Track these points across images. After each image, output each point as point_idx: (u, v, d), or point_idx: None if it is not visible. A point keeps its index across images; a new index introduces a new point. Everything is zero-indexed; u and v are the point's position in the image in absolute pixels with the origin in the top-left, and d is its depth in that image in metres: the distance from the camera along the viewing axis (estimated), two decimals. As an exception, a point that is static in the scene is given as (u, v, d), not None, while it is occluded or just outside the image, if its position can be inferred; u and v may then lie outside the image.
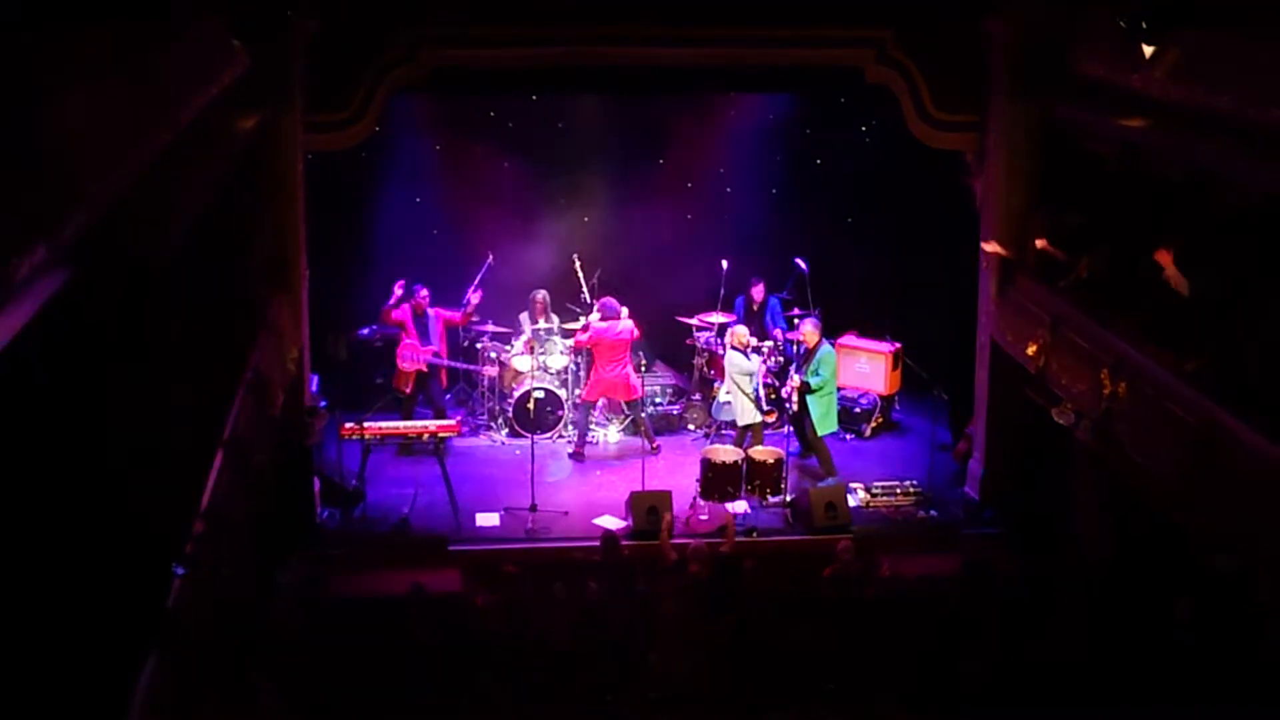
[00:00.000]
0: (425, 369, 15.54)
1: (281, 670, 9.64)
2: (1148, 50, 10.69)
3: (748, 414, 14.56)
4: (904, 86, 13.94)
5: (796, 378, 14.46)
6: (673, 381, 16.81)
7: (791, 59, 14.21)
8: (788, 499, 14.06)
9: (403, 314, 15.40)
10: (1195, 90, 10.38)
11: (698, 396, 16.50)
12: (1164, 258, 10.79)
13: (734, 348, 14.69)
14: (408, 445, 14.73)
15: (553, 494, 14.37)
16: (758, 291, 16.40)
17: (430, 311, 15.50)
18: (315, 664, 10.09)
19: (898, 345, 16.27)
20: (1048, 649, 10.20)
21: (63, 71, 6.89)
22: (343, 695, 9.77)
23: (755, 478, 13.87)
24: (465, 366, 16.29)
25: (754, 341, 15.14)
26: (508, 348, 16.23)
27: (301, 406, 13.40)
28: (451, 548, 13.34)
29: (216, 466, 9.23)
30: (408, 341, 15.39)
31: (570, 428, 15.92)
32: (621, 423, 16.01)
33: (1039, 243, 12.90)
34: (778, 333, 16.03)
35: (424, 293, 15.44)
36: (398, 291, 15.28)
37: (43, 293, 6.35)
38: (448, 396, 16.41)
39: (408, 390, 15.58)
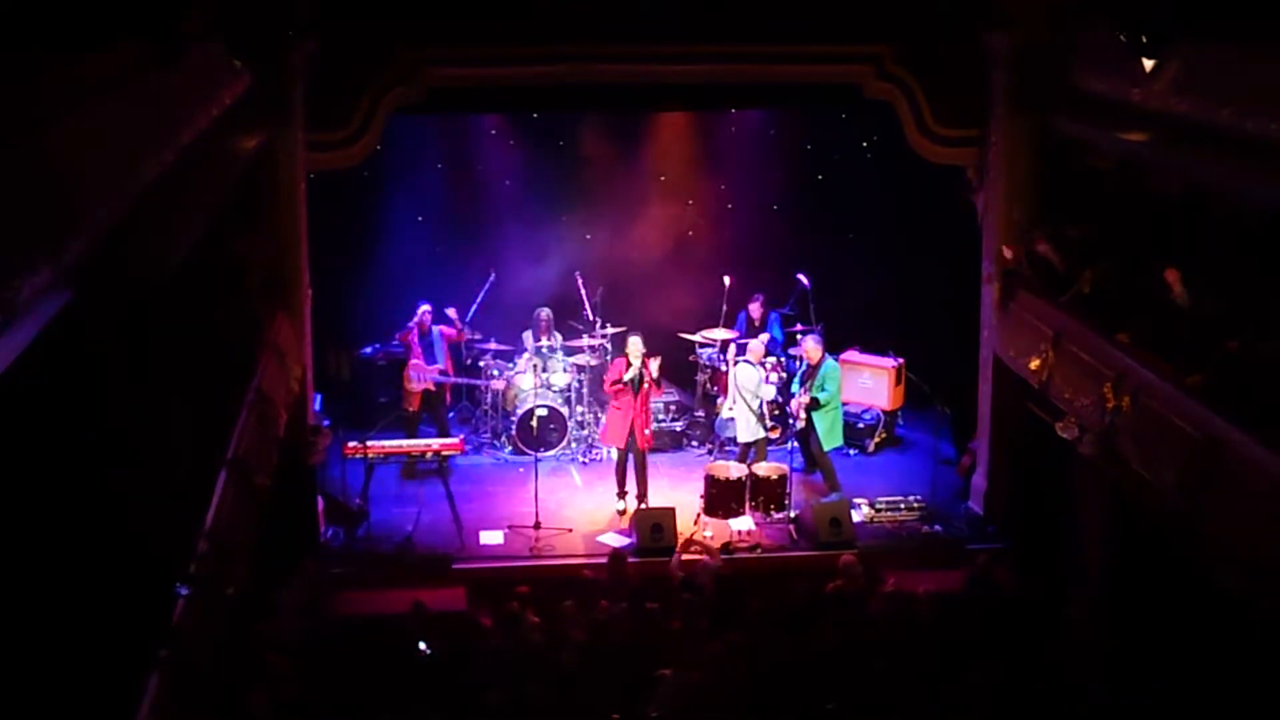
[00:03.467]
0: (432, 387, 15.54)
1: (284, 690, 9.62)
2: (1148, 64, 10.71)
3: (751, 430, 14.55)
4: (904, 102, 13.98)
5: (804, 395, 14.42)
6: (676, 398, 16.78)
7: (790, 75, 14.25)
8: (792, 515, 14.03)
9: (409, 334, 15.44)
10: (1195, 104, 10.38)
11: (700, 413, 16.49)
12: (1172, 275, 10.81)
13: (745, 360, 14.67)
14: (411, 465, 14.73)
15: (556, 511, 14.35)
16: (756, 308, 16.42)
17: (435, 329, 15.52)
18: (318, 683, 10.07)
19: (901, 360, 16.27)
20: (1052, 664, 10.18)
21: (66, 94, 6.91)
22: (346, 715, 9.75)
23: (759, 494, 13.85)
24: (471, 382, 16.28)
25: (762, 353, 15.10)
26: (510, 365, 16.24)
27: (305, 425, 13.40)
28: (455, 566, 13.32)
29: (220, 486, 9.24)
30: (414, 361, 15.40)
31: (575, 445, 15.96)
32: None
33: (1040, 246, 12.90)
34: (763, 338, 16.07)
35: (425, 309, 15.47)
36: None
37: (46, 313, 6.36)
38: (451, 415, 16.41)
39: (414, 409, 15.59)
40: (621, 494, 14.51)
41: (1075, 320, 12.04)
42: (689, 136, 17.51)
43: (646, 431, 14.29)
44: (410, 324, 15.44)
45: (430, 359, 15.50)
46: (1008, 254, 13.48)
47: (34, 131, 6.36)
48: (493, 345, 16.29)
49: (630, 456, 14.36)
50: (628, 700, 9.92)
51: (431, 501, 14.30)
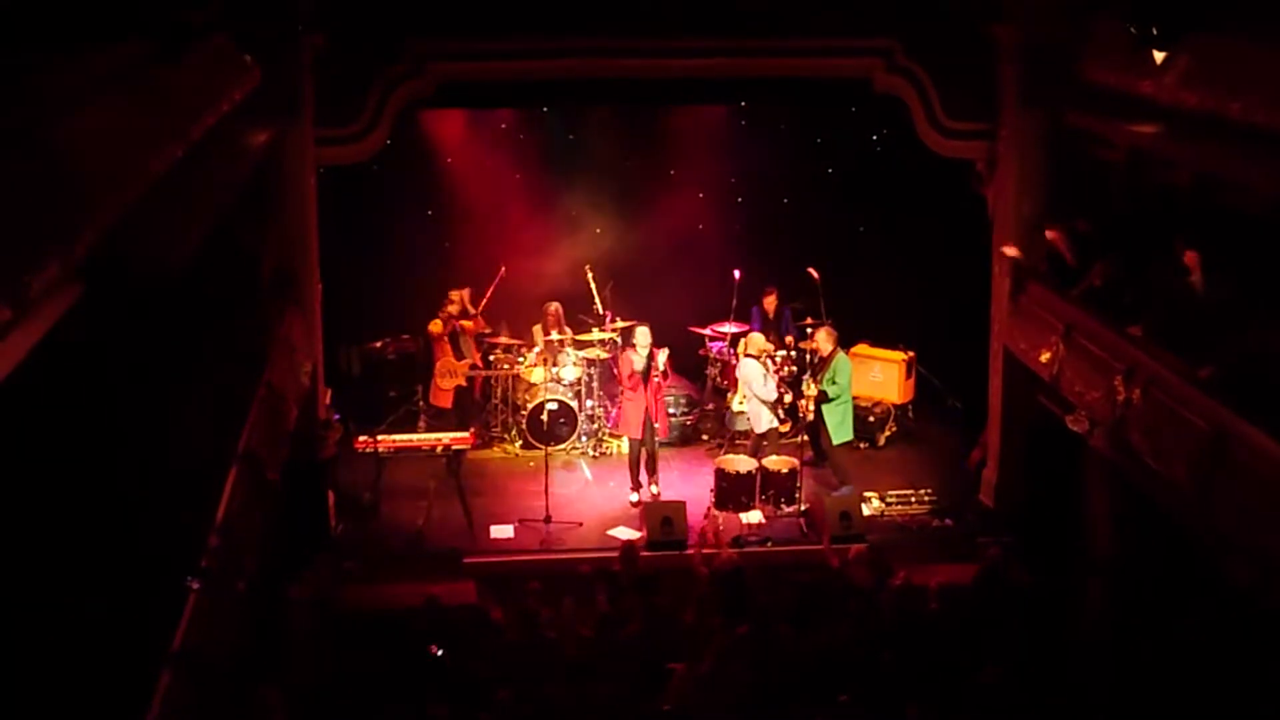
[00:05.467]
0: (464, 383, 15.39)
1: (296, 685, 9.65)
2: (1158, 56, 10.68)
3: (762, 422, 14.55)
4: (914, 95, 13.95)
5: (813, 387, 14.42)
6: (686, 392, 16.77)
7: (800, 69, 14.24)
8: (802, 508, 14.03)
9: (440, 330, 15.32)
10: (1205, 96, 10.35)
11: (711, 407, 16.48)
12: (1191, 258, 10.80)
13: (749, 356, 14.67)
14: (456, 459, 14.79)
15: (567, 505, 14.36)
16: (770, 301, 16.41)
17: (457, 324, 15.41)
18: (330, 678, 10.10)
19: (911, 354, 16.25)
20: (1064, 658, 10.17)
21: (75, 89, 6.93)
22: (357, 709, 9.77)
23: (769, 487, 13.85)
24: (502, 371, 16.24)
25: (770, 349, 15.07)
26: (520, 359, 16.24)
27: (315, 420, 13.42)
28: (466, 560, 13.34)
29: (231, 480, 9.26)
30: (444, 358, 15.23)
31: (583, 439, 15.98)
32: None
33: (1050, 234, 12.89)
34: (789, 339, 16.04)
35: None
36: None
37: (56, 309, 6.37)
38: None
39: (448, 406, 15.46)
40: (636, 486, 14.52)
41: (1086, 313, 12.02)
42: (699, 130, 17.49)
43: (656, 424, 14.32)
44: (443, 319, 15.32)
45: (459, 355, 15.39)
46: (1009, 253, 13.50)
47: (43, 126, 6.37)
48: (503, 339, 16.29)
49: (644, 449, 14.38)
50: (639, 693, 9.94)
51: (442, 496, 14.35)
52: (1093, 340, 11.67)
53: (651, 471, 14.55)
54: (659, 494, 14.47)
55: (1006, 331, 13.94)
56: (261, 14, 11.69)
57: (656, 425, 14.30)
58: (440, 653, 10.31)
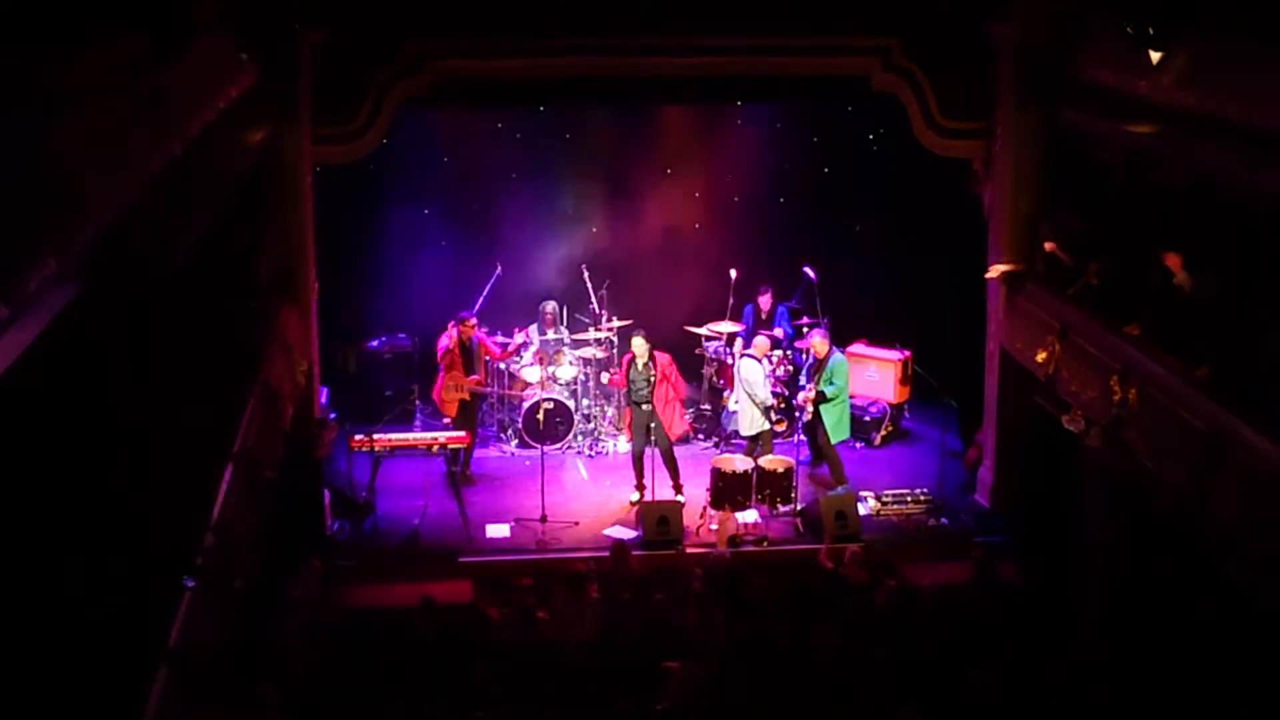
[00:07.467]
0: (469, 397, 15.28)
1: (291, 683, 9.64)
2: (1155, 57, 10.69)
3: (755, 423, 14.54)
4: (911, 94, 13.95)
5: (811, 387, 14.42)
6: (682, 391, 16.74)
7: (797, 68, 14.22)
8: (798, 508, 14.03)
9: (450, 345, 15.00)
10: (1202, 96, 10.37)
11: (707, 406, 16.47)
12: (1173, 261, 10.81)
13: (749, 355, 14.66)
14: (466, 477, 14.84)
15: (563, 504, 14.35)
16: (765, 300, 16.40)
17: (475, 338, 15.18)
18: (325, 676, 10.09)
19: (907, 353, 16.25)
20: (1060, 657, 10.18)
21: (73, 86, 6.92)
22: (353, 707, 9.77)
23: (765, 487, 13.84)
24: (509, 392, 16.22)
25: (767, 346, 15.05)
26: (517, 359, 16.21)
27: (311, 419, 13.40)
28: (462, 559, 13.33)
29: (226, 479, 9.25)
30: (453, 371, 15.04)
31: (580, 438, 15.98)
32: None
33: (1048, 245, 12.92)
34: (778, 331, 16.03)
35: (472, 321, 15.14)
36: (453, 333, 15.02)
37: (53, 305, 6.36)
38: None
39: (451, 417, 15.32)
40: (639, 486, 14.46)
41: (1082, 313, 12.03)
42: (695, 129, 17.49)
43: (653, 425, 14.33)
44: (449, 336, 15.01)
45: (470, 370, 15.18)
46: (993, 273, 13.56)
47: (41, 124, 6.37)
48: (499, 339, 16.27)
49: (654, 449, 14.33)
50: (635, 691, 9.95)
51: (438, 495, 14.33)
52: (1089, 340, 11.68)
53: (674, 476, 14.42)
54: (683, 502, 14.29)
55: (1003, 331, 13.95)
56: (259, 12, 11.67)
57: (654, 426, 14.28)
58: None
